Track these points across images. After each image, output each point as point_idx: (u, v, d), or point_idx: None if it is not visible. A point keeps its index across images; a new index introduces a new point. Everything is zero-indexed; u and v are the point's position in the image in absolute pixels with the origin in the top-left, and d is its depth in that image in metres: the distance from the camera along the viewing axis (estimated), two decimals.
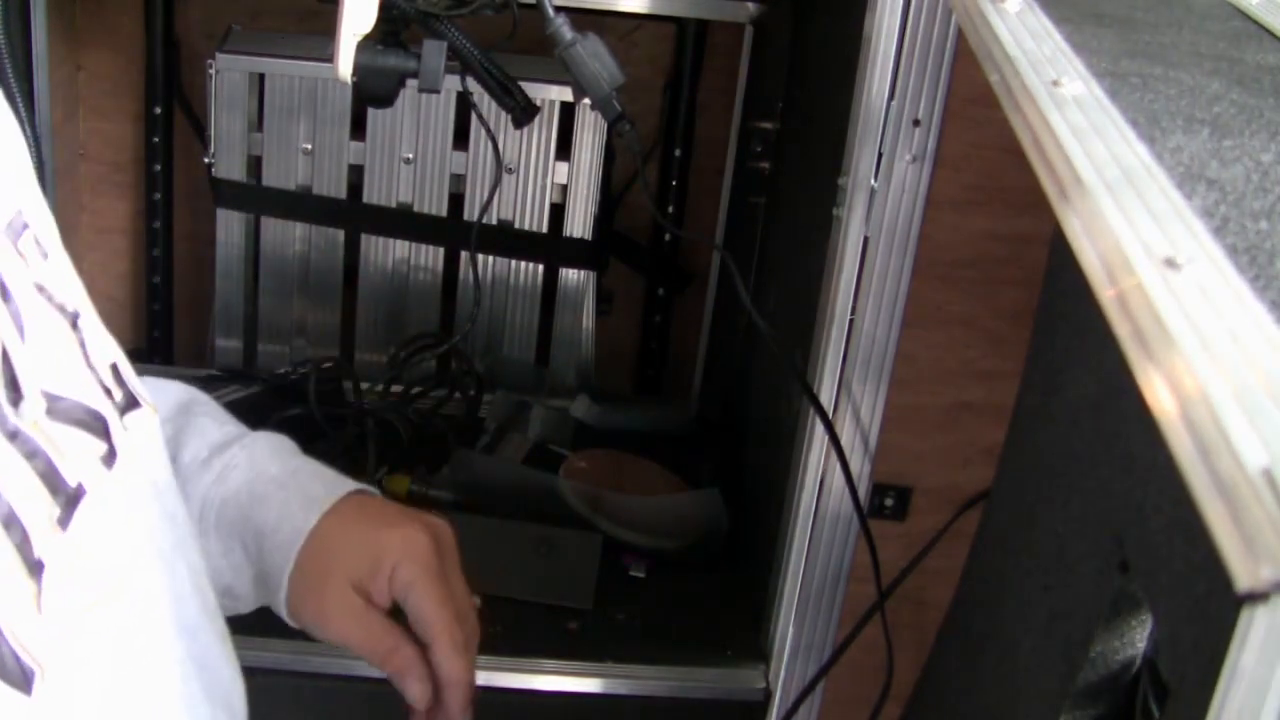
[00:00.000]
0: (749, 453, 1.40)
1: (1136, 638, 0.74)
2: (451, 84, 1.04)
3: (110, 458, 0.52)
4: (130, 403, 0.55)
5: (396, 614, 0.75)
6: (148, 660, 0.54)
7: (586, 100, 0.92)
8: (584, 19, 0.96)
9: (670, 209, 1.59)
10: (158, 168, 1.53)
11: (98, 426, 0.52)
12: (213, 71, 1.44)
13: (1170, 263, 0.41)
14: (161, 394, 0.63)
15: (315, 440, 1.35)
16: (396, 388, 1.49)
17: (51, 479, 0.48)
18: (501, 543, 1.23)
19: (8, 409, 0.47)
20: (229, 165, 1.48)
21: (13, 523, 0.45)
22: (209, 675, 0.59)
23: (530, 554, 1.22)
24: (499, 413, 1.50)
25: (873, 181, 1.01)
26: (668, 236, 1.61)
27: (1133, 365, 0.39)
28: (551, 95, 1.45)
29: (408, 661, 0.74)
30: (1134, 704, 0.74)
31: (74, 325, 0.54)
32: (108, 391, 0.54)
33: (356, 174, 1.50)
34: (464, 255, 1.53)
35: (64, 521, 0.48)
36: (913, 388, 1.08)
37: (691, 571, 1.30)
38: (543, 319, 1.59)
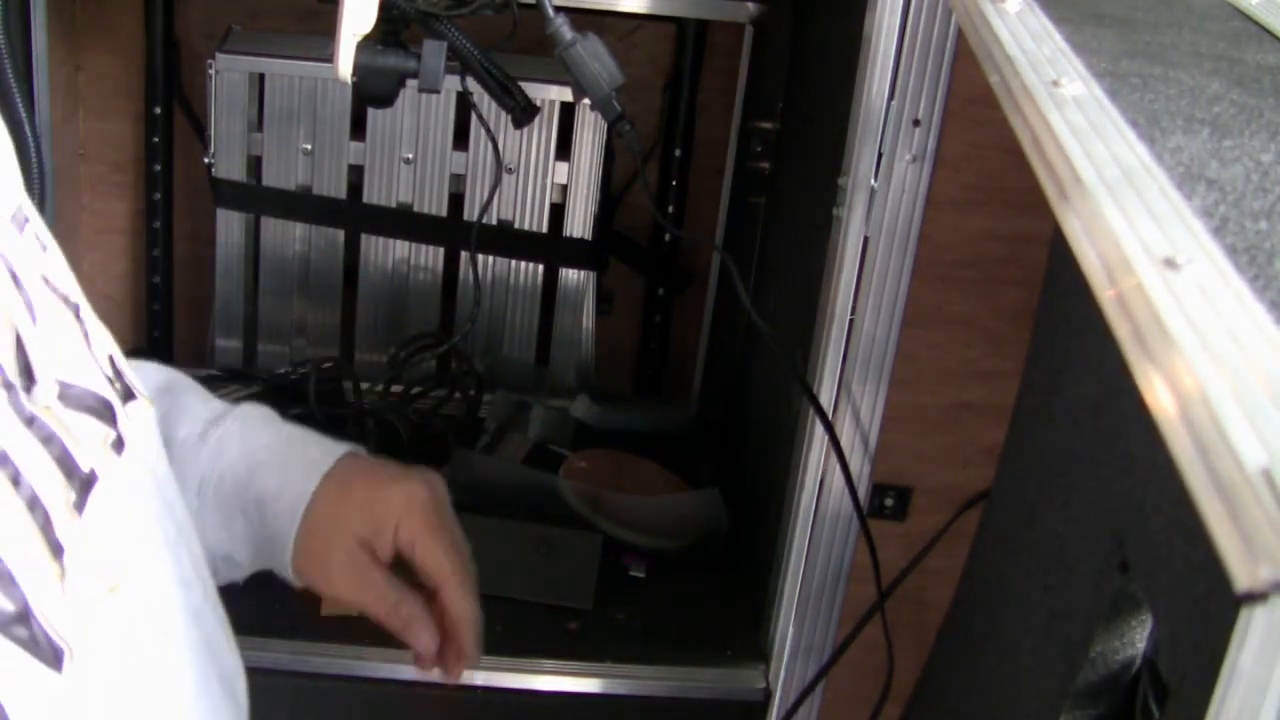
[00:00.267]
0: (749, 453, 1.40)
1: (1136, 638, 0.74)
2: (451, 84, 1.04)
3: (119, 445, 0.54)
4: (128, 394, 0.56)
5: (395, 570, 0.77)
6: (161, 644, 0.55)
7: (586, 100, 0.92)
8: (584, 19, 0.96)
9: (670, 209, 1.58)
10: (158, 168, 1.53)
11: (106, 414, 0.53)
12: (213, 71, 1.44)
13: (1170, 263, 0.41)
14: (142, 376, 0.64)
15: None
16: (396, 388, 1.49)
17: (66, 464, 0.49)
18: (501, 543, 1.23)
19: (22, 394, 0.48)
20: (229, 165, 1.48)
21: (36, 505, 0.46)
22: (216, 660, 0.61)
23: (530, 554, 1.22)
24: (499, 413, 1.50)
25: (873, 181, 1.01)
26: (668, 236, 1.61)
27: (1132, 365, 0.39)
28: (551, 95, 1.45)
29: (414, 611, 0.77)
30: (1134, 704, 0.74)
31: (76, 316, 0.54)
32: (110, 381, 0.55)
33: (356, 174, 1.50)
34: (464, 255, 1.53)
35: (79, 506, 0.49)
36: (913, 388, 1.08)
37: (691, 571, 1.30)
38: (543, 319, 1.59)
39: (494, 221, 1.52)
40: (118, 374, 0.56)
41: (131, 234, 1.59)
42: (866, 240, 1.03)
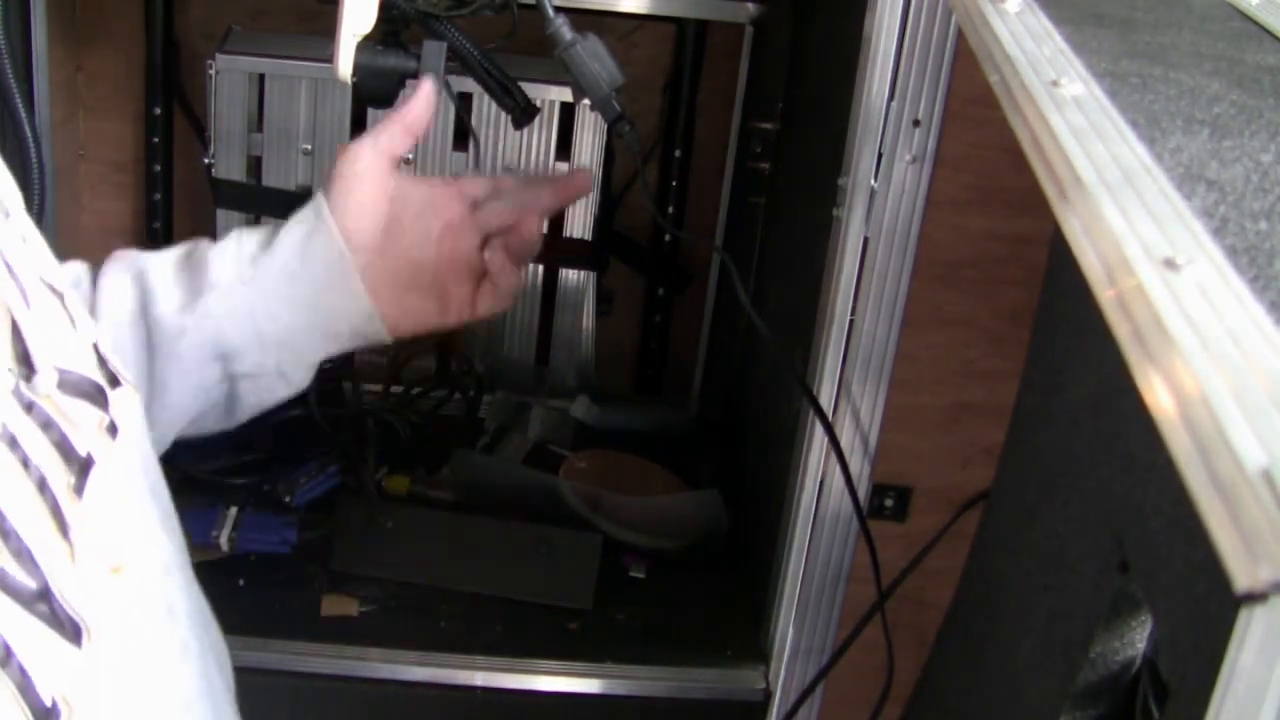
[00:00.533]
0: (749, 453, 1.40)
1: (1136, 638, 0.74)
2: (451, 84, 1.04)
3: (113, 429, 0.54)
4: (114, 380, 0.57)
5: None
6: (164, 622, 0.56)
7: (586, 101, 0.92)
8: (584, 19, 0.95)
9: (670, 209, 1.58)
10: (158, 168, 1.53)
11: (100, 399, 0.54)
12: (213, 72, 1.44)
13: (1170, 263, 0.41)
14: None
15: (315, 440, 1.35)
16: (396, 388, 1.49)
17: (65, 448, 0.50)
18: (501, 543, 1.23)
19: (21, 382, 0.49)
20: (229, 165, 1.48)
21: (44, 488, 0.47)
22: (210, 636, 0.62)
23: (530, 554, 1.22)
24: (499, 413, 1.50)
25: (873, 182, 1.01)
26: (667, 237, 1.61)
27: (1132, 366, 0.39)
28: (551, 95, 1.45)
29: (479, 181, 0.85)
30: (1134, 704, 0.75)
31: (63, 304, 0.55)
32: (100, 364, 0.56)
33: None
34: None
35: (79, 490, 0.50)
36: (913, 388, 1.08)
37: (691, 572, 1.30)
38: (543, 319, 1.59)
39: None
40: (102, 361, 0.57)
41: (131, 234, 1.59)
42: (866, 241, 1.03)
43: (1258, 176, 0.48)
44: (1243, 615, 0.32)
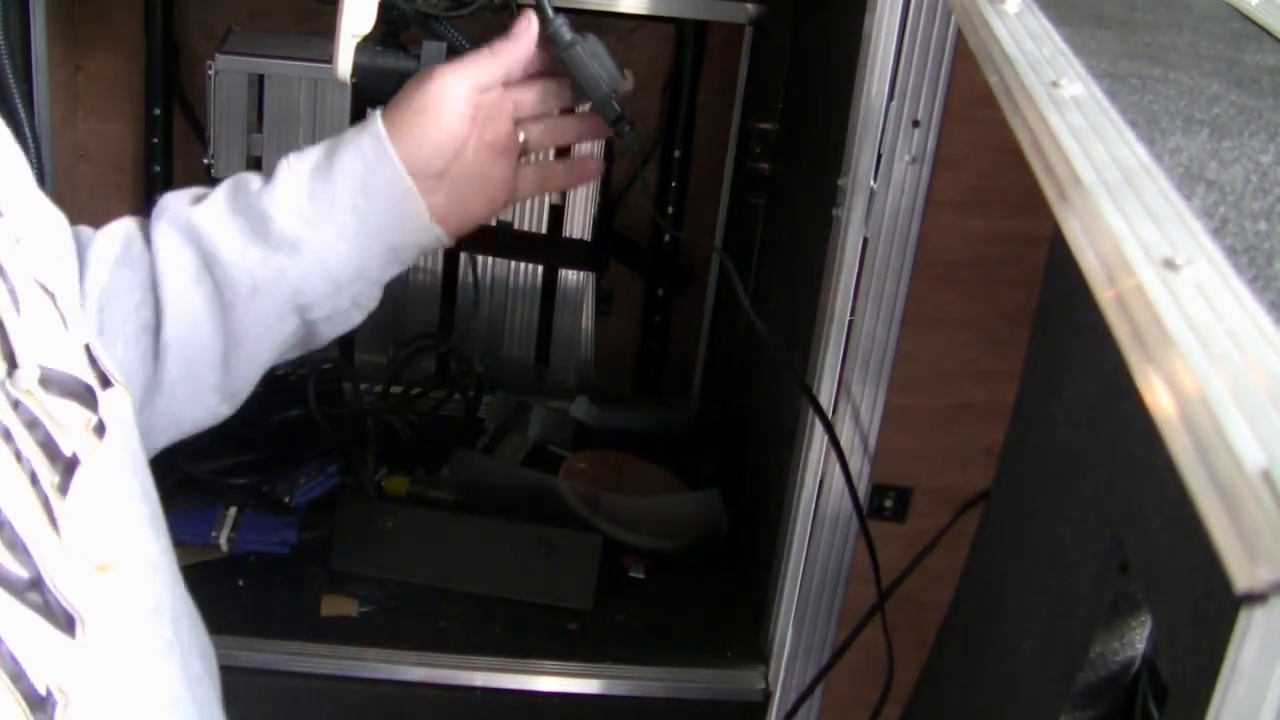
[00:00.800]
0: (749, 453, 1.40)
1: (1136, 638, 0.74)
2: None
3: (100, 429, 0.54)
4: (105, 381, 0.57)
5: None
6: (151, 620, 0.56)
7: (587, 102, 0.92)
8: (584, 19, 0.95)
9: (670, 209, 1.58)
10: (157, 168, 1.53)
11: (88, 399, 0.54)
12: (212, 72, 1.43)
13: (1169, 264, 0.41)
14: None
15: (315, 440, 1.35)
16: (396, 388, 1.49)
17: (49, 448, 0.50)
18: (501, 543, 1.23)
19: (5, 380, 0.49)
20: (229, 166, 1.48)
21: (36, 482, 0.48)
22: (196, 636, 0.62)
23: (530, 554, 1.22)
24: (499, 413, 1.50)
25: (872, 182, 1.01)
26: (667, 237, 1.61)
27: (1132, 366, 0.39)
28: None
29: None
30: (1134, 704, 0.74)
31: (54, 303, 0.55)
32: (91, 365, 0.56)
33: None
34: (464, 256, 1.53)
35: (64, 489, 0.50)
36: (912, 388, 1.08)
37: (691, 572, 1.30)
38: (542, 319, 1.59)
39: (493, 222, 1.52)
40: (93, 361, 0.57)
41: None
42: (866, 241, 1.03)
43: (1257, 177, 0.48)
44: (1243, 615, 0.32)
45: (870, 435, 1.09)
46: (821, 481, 1.10)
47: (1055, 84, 0.56)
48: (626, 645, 1.19)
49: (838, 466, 1.07)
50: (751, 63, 1.51)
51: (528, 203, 1.52)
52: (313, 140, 1.52)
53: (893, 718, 1.15)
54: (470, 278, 1.51)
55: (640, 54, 1.55)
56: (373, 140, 0.76)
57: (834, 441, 1.06)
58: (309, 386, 1.37)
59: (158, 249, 0.75)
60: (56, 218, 0.73)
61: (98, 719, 0.48)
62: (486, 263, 1.54)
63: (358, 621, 1.17)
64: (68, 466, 0.51)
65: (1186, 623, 0.61)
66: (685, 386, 1.67)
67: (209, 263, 0.75)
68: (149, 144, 1.52)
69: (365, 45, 0.88)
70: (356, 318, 0.81)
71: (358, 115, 1.47)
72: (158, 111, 1.51)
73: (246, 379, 0.79)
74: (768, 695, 1.18)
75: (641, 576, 1.27)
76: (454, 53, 0.98)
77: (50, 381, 0.51)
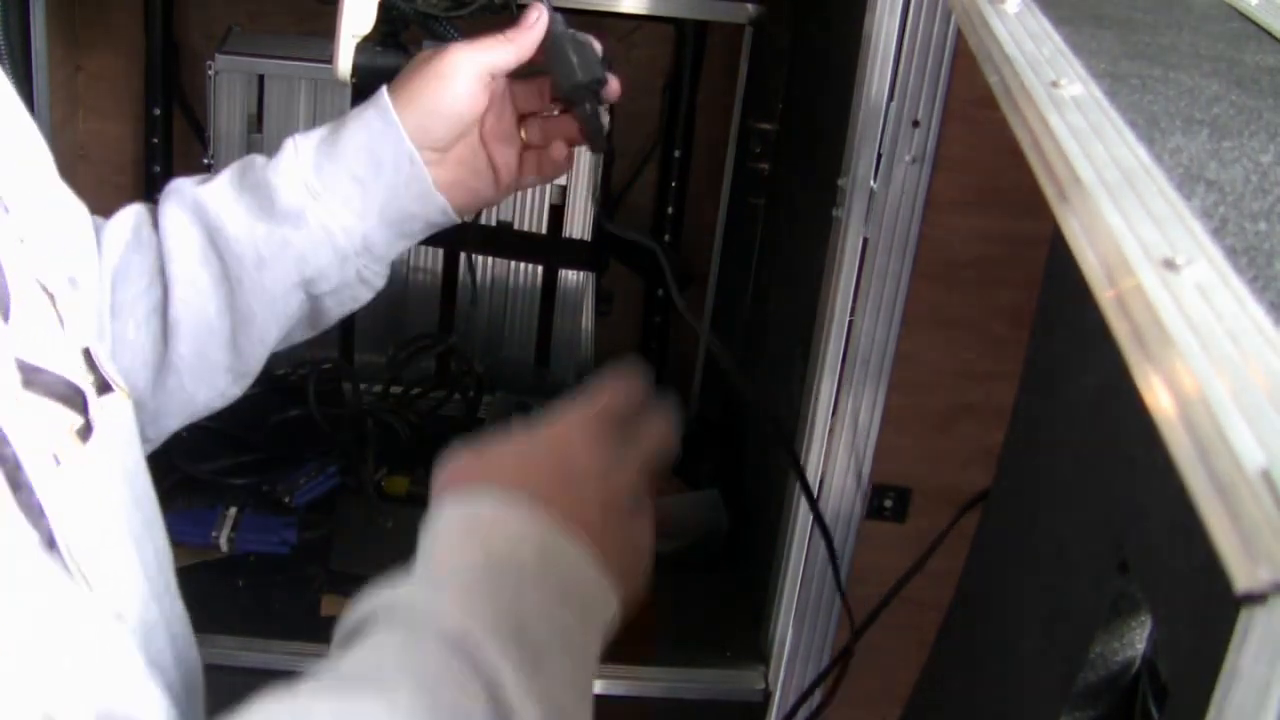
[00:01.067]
0: (749, 453, 1.40)
1: (1136, 639, 0.74)
2: None
3: (86, 432, 0.54)
4: (104, 386, 0.56)
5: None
6: (131, 634, 0.55)
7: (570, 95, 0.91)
8: (584, 19, 0.95)
9: (670, 209, 1.58)
10: (157, 169, 1.53)
11: (77, 401, 0.53)
12: (212, 72, 1.44)
13: (1169, 264, 0.41)
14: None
15: (315, 441, 1.35)
16: (396, 388, 1.49)
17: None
18: None
19: None
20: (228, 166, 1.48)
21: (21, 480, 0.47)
22: (179, 656, 0.61)
23: None
24: (499, 413, 1.49)
25: (872, 182, 1.01)
26: (667, 237, 1.61)
27: (1132, 366, 0.39)
28: None
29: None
30: (1134, 705, 0.74)
31: (53, 305, 0.55)
32: (85, 371, 0.55)
33: None
34: (463, 256, 1.53)
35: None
36: (912, 389, 1.08)
37: (691, 571, 1.30)
38: (542, 320, 1.59)
39: (493, 222, 1.52)
40: (93, 365, 0.56)
41: None
42: (866, 241, 1.03)
43: (1257, 177, 0.48)
44: (1243, 616, 0.32)
45: (870, 435, 1.09)
46: (821, 481, 1.10)
47: (1055, 84, 0.56)
48: (626, 645, 1.19)
49: (838, 466, 1.07)
50: (751, 63, 1.51)
51: (528, 203, 1.52)
52: None
53: (893, 717, 1.15)
54: (470, 278, 1.51)
55: (640, 54, 1.55)
56: (378, 112, 0.77)
57: (833, 441, 1.06)
58: (309, 386, 1.37)
59: (165, 229, 0.75)
60: (77, 208, 0.73)
61: None
62: (486, 263, 1.54)
63: None
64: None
65: (1186, 623, 0.61)
66: (685, 386, 1.67)
67: (215, 239, 0.75)
68: (149, 144, 1.52)
69: (365, 45, 0.88)
70: (364, 295, 0.80)
71: None
72: (158, 111, 1.51)
73: (256, 358, 0.79)
74: (768, 695, 1.18)
75: None
76: None
77: (35, 381, 0.51)
